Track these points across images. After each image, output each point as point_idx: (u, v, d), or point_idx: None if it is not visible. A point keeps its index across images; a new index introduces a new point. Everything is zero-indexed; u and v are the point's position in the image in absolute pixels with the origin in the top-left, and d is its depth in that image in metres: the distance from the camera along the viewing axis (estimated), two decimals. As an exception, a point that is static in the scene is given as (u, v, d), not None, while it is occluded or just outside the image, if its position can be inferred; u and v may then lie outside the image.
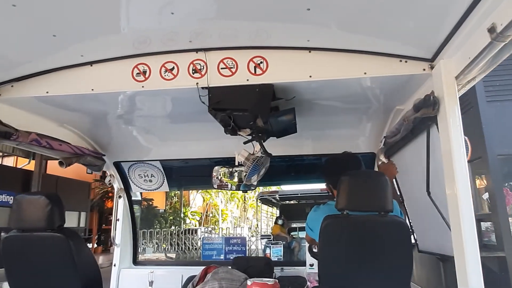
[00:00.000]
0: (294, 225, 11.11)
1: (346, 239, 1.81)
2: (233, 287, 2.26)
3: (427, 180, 2.07)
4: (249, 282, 2.10)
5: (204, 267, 2.66)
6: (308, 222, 2.31)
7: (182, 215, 19.86)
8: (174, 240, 14.00)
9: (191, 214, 21.82)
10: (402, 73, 1.87)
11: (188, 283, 2.55)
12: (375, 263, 1.80)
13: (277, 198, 13.32)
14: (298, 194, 11.81)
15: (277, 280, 2.18)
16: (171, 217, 18.60)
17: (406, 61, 1.86)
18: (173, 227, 16.54)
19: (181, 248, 13.59)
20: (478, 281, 1.50)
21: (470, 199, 1.59)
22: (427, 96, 1.70)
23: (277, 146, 2.80)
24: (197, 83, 1.95)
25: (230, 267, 2.59)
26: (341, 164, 2.24)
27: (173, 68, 1.99)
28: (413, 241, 2.89)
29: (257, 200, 14.67)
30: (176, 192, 18.59)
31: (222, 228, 19.25)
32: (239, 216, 27.80)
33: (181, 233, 14.91)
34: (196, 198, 24.40)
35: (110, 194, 16.08)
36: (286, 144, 2.90)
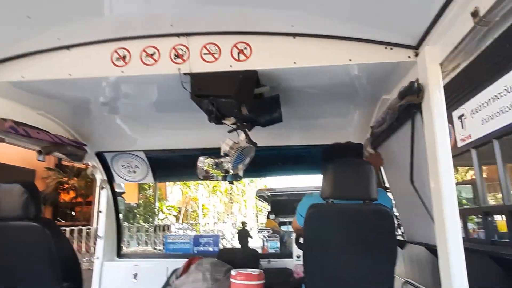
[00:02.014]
0: (284, 220, 11.79)
1: (330, 227, 1.80)
2: (217, 278, 2.23)
3: (411, 169, 2.06)
4: (233, 272, 2.08)
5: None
6: (299, 209, 2.29)
7: (157, 210, 18.71)
8: (146, 237, 13.56)
9: (167, 209, 20.60)
10: (387, 60, 1.85)
11: (172, 275, 2.51)
12: (360, 251, 1.80)
13: (274, 194, 14.21)
14: (293, 191, 12.62)
15: (262, 271, 2.16)
16: (143, 212, 17.30)
17: (391, 48, 1.83)
18: (145, 223, 15.73)
19: (153, 247, 13.30)
20: (460, 272, 1.49)
21: (453, 187, 1.57)
22: (411, 83, 1.68)
23: (264, 136, 2.76)
24: (179, 69, 1.90)
25: (215, 259, 2.56)
26: (343, 152, 2.23)
27: (154, 53, 1.93)
28: (400, 231, 2.91)
29: (256, 196, 15.97)
30: (151, 185, 17.23)
31: (203, 224, 18.69)
32: (224, 211, 27.40)
33: (153, 229, 14.46)
34: (174, 192, 23.12)
35: (65, 186, 14.62)
36: (273, 134, 2.86)
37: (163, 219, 19.01)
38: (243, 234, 10.59)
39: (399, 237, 2.88)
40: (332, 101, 2.56)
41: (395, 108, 1.92)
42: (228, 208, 26.30)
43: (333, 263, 1.81)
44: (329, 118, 2.91)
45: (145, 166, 3.27)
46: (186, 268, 2.38)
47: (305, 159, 3.82)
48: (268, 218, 13.08)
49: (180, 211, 22.32)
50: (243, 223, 11.71)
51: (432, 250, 1.98)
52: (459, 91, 6.90)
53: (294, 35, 1.87)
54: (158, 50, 1.93)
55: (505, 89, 5.46)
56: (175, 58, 1.92)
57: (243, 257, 2.73)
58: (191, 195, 24.11)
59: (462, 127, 6.95)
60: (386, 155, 2.62)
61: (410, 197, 2.27)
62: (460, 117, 7.01)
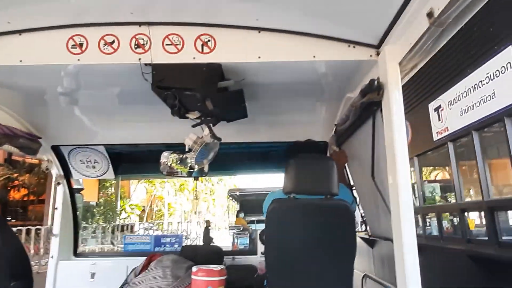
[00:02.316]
0: (252, 218, 12.44)
1: (291, 222, 1.81)
2: (178, 275, 2.18)
3: (372, 165, 2.12)
4: (194, 269, 2.04)
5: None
6: (264, 206, 2.29)
7: (119, 208, 17.95)
8: (103, 237, 13.10)
9: (130, 208, 19.82)
10: (350, 58, 1.88)
11: (131, 273, 2.43)
12: (320, 245, 1.82)
13: (243, 194, 14.84)
14: (262, 191, 12.28)
15: (224, 267, 2.13)
16: (103, 211, 16.51)
17: (354, 47, 1.87)
18: (105, 223, 15.13)
19: (113, 248, 12.85)
20: (414, 264, 1.54)
21: (409, 182, 1.63)
22: (372, 81, 1.72)
23: (230, 132, 2.74)
24: (139, 59, 1.83)
25: (176, 256, 2.50)
26: (304, 150, 2.24)
27: (113, 41, 1.85)
28: (363, 227, 2.99)
29: (228, 195, 16.46)
30: (112, 182, 16.54)
31: (168, 224, 18.16)
32: (191, 210, 26.97)
33: (114, 229, 13.95)
34: (138, 190, 22.29)
35: (16, 182, 13.91)
36: (239, 130, 2.85)
37: (125, 218, 18.31)
38: (207, 233, 10.55)
39: (363, 234, 2.96)
40: (298, 98, 2.57)
41: (357, 105, 1.96)
42: (195, 206, 25.82)
43: (293, 257, 1.82)
44: (295, 115, 2.93)
45: (106, 161, 3.14)
46: (146, 265, 2.30)
47: (273, 157, 3.82)
48: (237, 216, 13.76)
49: (144, 210, 21.59)
50: (207, 222, 11.69)
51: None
52: (436, 81, 6.63)
53: (259, 29, 1.86)
54: (117, 38, 1.85)
55: (488, 77, 5.06)
56: (135, 48, 1.85)
57: (206, 254, 2.70)
58: (157, 193, 23.36)
59: (439, 119, 6.59)
60: (350, 152, 2.67)
61: (372, 193, 2.33)
62: (436, 109, 6.64)
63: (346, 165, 2.84)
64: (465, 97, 5.69)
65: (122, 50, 1.84)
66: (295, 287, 1.86)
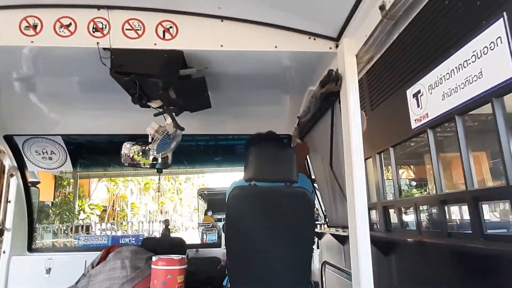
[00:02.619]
0: (219, 216, 13.43)
1: (251, 209, 1.83)
2: (138, 266, 2.14)
3: (330, 155, 2.19)
4: (154, 258, 2.01)
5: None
6: (227, 195, 2.30)
7: (77, 209, 17.05)
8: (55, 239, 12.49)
9: (90, 208, 18.84)
10: (311, 49, 1.93)
11: (89, 265, 2.35)
12: (280, 231, 1.85)
13: (211, 193, 15.65)
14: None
15: (184, 256, 2.12)
16: (58, 211, 15.61)
17: (314, 39, 1.92)
18: (62, 224, 14.42)
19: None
20: (366, 252, 1.61)
21: (363, 170, 1.70)
22: (330, 71, 1.78)
23: (194, 124, 2.73)
24: (97, 43, 1.77)
25: (136, 246, 2.45)
26: (265, 141, 2.26)
27: (70, 24, 1.78)
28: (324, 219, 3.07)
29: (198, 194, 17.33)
30: (70, 181, 15.62)
31: (131, 225, 17.40)
32: (156, 210, 26.27)
33: (68, 230, 13.31)
34: (99, 189, 21.22)
35: None
36: (203, 121, 2.83)
37: (84, 219, 17.41)
38: (166, 233, 10.42)
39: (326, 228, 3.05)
40: (263, 90, 2.60)
41: (317, 96, 2.02)
42: (156, 198, 25.12)
43: (253, 243, 1.85)
44: (261, 107, 2.96)
45: (63, 152, 3.01)
46: (104, 257, 2.24)
47: (239, 151, 3.84)
48: (205, 214, 14.37)
49: (106, 211, 20.66)
50: (166, 221, 11.56)
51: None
52: (415, 66, 6.16)
53: (222, 18, 1.87)
54: (74, 21, 1.78)
55: (474, 55, 4.61)
56: (93, 32, 1.79)
57: (168, 245, 2.66)
58: (120, 192, 22.42)
59: (418, 106, 6.05)
60: (311, 144, 2.74)
61: (331, 183, 2.41)
62: (415, 95, 6.13)
63: (308, 157, 2.91)
64: (447, 79, 5.20)
65: (79, 33, 1.78)
66: (255, 273, 1.89)
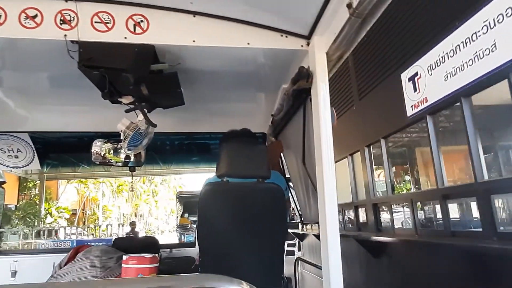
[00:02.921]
0: (195, 219, 13.44)
1: (223, 205, 1.83)
2: (108, 265, 2.09)
3: (303, 151, 2.22)
4: (124, 257, 1.97)
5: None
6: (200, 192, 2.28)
7: (43, 212, 15.92)
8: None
9: (57, 211, 17.82)
10: (283, 47, 1.95)
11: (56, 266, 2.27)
12: (252, 227, 1.86)
13: (187, 196, 16.01)
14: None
15: (156, 255, 2.09)
16: (22, 215, 14.75)
17: (286, 36, 1.95)
18: (27, 228, 13.62)
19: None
20: (335, 246, 1.63)
21: (333, 165, 1.73)
22: (301, 68, 1.81)
23: (167, 121, 2.69)
24: (65, 35, 1.73)
25: (107, 246, 2.39)
26: (238, 138, 2.26)
27: (36, 15, 1.72)
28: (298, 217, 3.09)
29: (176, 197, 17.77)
30: (36, 183, 14.02)
31: (104, 229, 16.69)
32: (131, 213, 25.43)
33: (29, 235, 12.63)
34: (68, 191, 20.11)
35: None
36: (177, 118, 2.81)
37: (51, 223, 16.47)
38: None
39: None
40: (237, 88, 2.61)
41: (290, 93, 2.05)
42: (130, 198, 24.35)
43: (225, 239, 1.84)
44: (235, 105, 2.97)
45: (30, 150, 2.90)
46: (72, 257, 2.17)
47: (214, 150, 3.82)
48: (182, 216, 15.05)
49: (75, 214, 19.71)
50: (132, 224, 11.38)
51: None
52: (411, 46, 5.46)
53: (194, 13, 1.86)
54: (41, 12, 1.73)
55: (486, 26, 3.94)
56: (61, 24, 1.74)
57: (140, 245, 2.61)
58: (90, 195, 21.44)
59: (415, 90, 5.33)
60: (284, 141, 2.77)
61: (304, 179, 2.44)
62: (411, 78, 5.41)
63: (282, 155, 2.93)
64: (451, 56, 4.51)
65: (45, 25, 1.72)
66: (227, 269, 1.88)
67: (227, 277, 0.74)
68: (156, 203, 31.50)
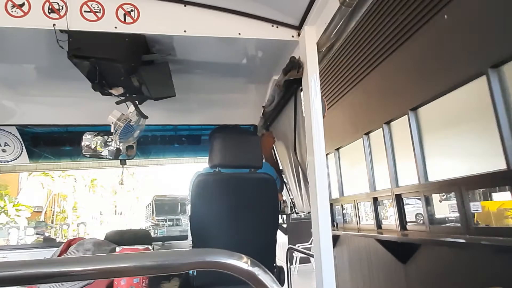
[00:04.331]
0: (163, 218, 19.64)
1: (216, 195, 1.85)
2: (100, 258, 2.09)
3: (294, 142, 2.24)
4: (118, 249, 1.98)
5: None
6: (190, 183, 2.28)
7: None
8: None
9: (16, 210, 15.82)
10: (273, 37, 1.96)
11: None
12: (244, 217, 1.88)
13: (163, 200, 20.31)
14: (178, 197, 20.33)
15: (149, 247, 2.10)
16: None
17: (277, 27, 1.96)
18: None
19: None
20: (327, 233, 1.66)
21: (323, 154, 1.76)
22: (292, 58, 1.83)
23: (158, 113, 2.69)
24: (54, 24, 1.70)
25: (100, 239, 2.39)
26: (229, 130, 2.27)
27: (23, 4, 1.69)
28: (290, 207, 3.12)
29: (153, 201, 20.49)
30: None
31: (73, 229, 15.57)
32: (113, 209, 24.25)
33: None
34: (32, 185, 17.82)
35: None
36: (168, 110, 2.80)
37: (6, 223, 14.77)
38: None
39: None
40: (228, 79, 2.61)
41: (281, 83, 2.06)
42: (113, 193, 23.50)
43: (218, 229, 1.86)
44: (227, 97, 2.96)
45: (18, 144, 2.86)
46: (64, 250, 2.16)
47: (205, 142, 3.81)
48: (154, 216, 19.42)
49: (40, 212, 18.06)
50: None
51: None
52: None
53: (185, 3, 1.85)
54: (28, 1, 1.70)
55: None
56: (49, 13, 1.71)
57: (133, 237, 2.61)
58: (59, 190, 19.44)
59: None
60: (276, 133, 2.78)
61: (297, 171, 2.46)
62: None
63: (274, 146, 2.95)
64: None
65: (33, 14, 1.69)
66: None
67: (227, 251, 0.75)
68: (137, 199, 30.39)
